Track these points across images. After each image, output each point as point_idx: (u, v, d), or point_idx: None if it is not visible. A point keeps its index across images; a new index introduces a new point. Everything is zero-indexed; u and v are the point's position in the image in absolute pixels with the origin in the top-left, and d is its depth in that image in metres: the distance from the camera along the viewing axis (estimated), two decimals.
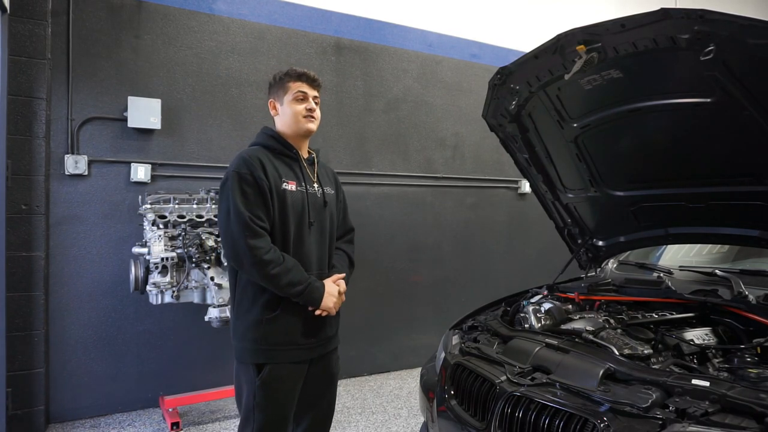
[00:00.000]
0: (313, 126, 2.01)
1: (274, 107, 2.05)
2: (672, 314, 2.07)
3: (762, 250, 2.35)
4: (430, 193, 4.81)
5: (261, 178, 1.85)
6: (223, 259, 3.09)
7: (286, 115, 2.00)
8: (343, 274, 2.07)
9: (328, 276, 2.02)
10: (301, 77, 2.00)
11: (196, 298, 3.23)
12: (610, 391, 1.49)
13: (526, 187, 5.11)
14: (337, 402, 3.65)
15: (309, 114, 1.99)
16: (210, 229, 3.18)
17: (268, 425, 1.88)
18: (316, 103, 2.03)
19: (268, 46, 4.04)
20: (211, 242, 3.06)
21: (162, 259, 3.09)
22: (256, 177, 1.85)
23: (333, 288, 1.97)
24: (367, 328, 4.52)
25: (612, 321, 2.05)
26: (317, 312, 1.93)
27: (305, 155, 2.08)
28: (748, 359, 1.64)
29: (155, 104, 3.54)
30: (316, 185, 2.03)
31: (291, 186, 1.94)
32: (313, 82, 2.02)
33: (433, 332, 4.55)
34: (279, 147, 1.99)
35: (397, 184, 4.64)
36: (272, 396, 1.88)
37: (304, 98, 1.99)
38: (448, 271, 4.92)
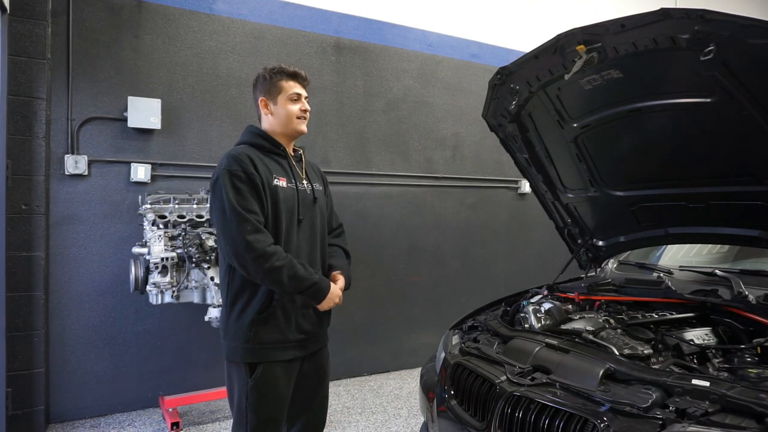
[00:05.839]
0: (305, 128, 2.04)
1: (266, 106, 2.02)
2: (672, 314, 2.07)
3: (762, 250, 2.35)
4: (430, 193, 4.81)
5: (253, 173, 1.85)
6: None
7: (281, 115, 1.99)
8: (342, 280, 2.06)
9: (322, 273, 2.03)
10: (296, 77, 2.01)
11: (196, 298, 3.24)
12: (610, 391, 1.49)
13: (526, 187, 5.11)
14: (337, 402, 3.69)
15: (303, 115, 2.01)
16: (210, 229, 3.18)
17: (262, 426, 1.87)
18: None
19: (268, 46, 4.04)
20: (211, 242, 3.07)
21: (162, 259, 3.09)
22: (248, 173, 1.84)
23: (336, 292, 1.99)
24: (367, 328, 4.52)
25: (612, 321, 2.05)
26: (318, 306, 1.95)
27: (291, 153, 2.08)
28: (748, 359, 1.64)
29: (155, 104, 3.54)
30: (305, 182, 2.04)
31: (282, 182, 1.94)
32: (304, 81, 2.04)
33: (433, 332, 4.54)
34: (267, 145, 1.98)
35: (397, 184, 4.64)
36: (265, 396, 1.87)
37: (298, 99, 2.00)
38: (448, 271, 4.91)
